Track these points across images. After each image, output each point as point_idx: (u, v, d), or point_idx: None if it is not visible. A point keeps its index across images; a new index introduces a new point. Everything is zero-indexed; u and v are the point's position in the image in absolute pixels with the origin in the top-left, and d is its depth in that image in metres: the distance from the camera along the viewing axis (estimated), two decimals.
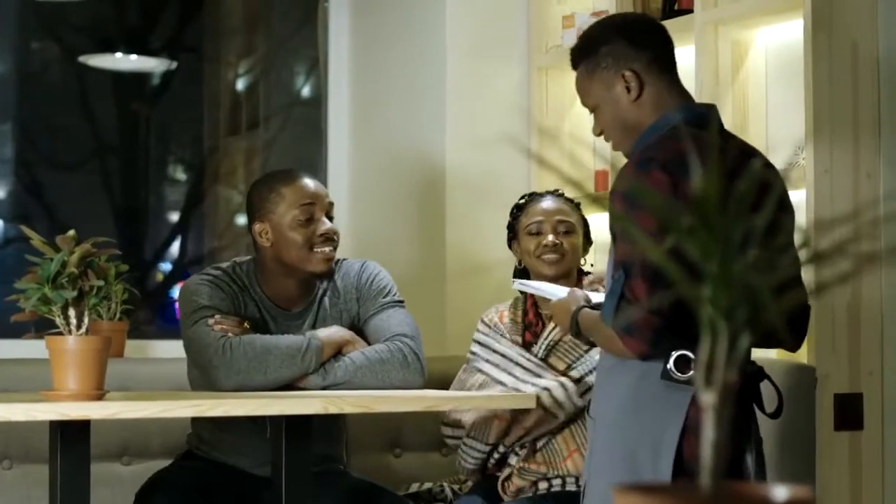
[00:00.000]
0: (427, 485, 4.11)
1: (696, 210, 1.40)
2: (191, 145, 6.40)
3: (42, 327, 3.17)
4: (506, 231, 4.09)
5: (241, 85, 6.29)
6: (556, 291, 3.41)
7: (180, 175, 6.44)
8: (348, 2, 5.23)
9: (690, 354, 2.82)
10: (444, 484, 4.09)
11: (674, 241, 1.45)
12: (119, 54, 6.07)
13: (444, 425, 4.02)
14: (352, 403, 3.16)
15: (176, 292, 6.35)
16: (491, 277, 4.75)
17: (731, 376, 1.41)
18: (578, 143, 4.92)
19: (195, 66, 6.27)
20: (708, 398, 1.41)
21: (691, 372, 2.83)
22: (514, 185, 4.80)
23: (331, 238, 3.77)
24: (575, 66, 3.16)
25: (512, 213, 4.08)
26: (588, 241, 4.05)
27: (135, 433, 4.05)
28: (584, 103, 3.16)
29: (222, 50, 6.30)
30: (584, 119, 4.88)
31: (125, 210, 6.21)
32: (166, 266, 6.34)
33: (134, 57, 6.17)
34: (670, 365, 2.83)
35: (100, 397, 3.03)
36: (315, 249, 3.74)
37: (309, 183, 3.81)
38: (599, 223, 4.67)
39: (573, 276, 3.95)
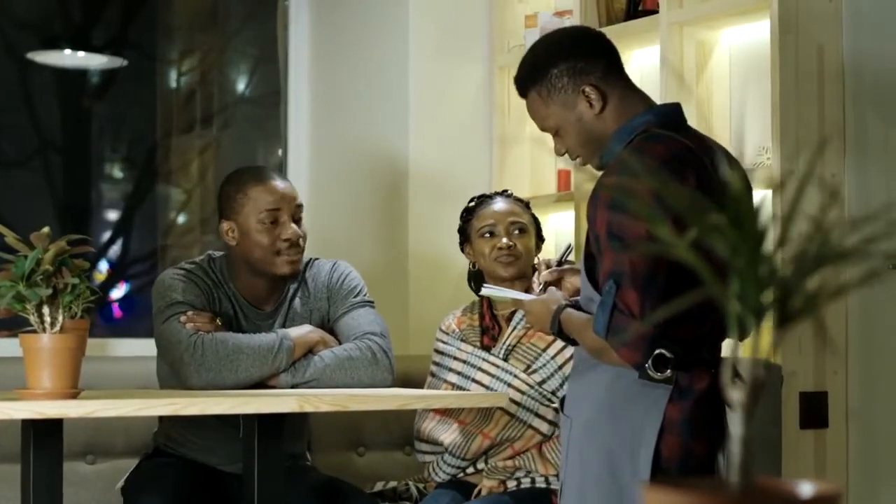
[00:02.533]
0: (392, 483, 4.11)
1: (728, 206, 1.41)
2: (135, 143, 6.36)
3: (3, 325, 3.14)
4: (457, 235, 4.09)
5: (188, 83, 6.26)
6: (524, 295, 3.40)
7: (125, 173, 6.40)
8: (308, 0, 5.21)
9: (668, 354, 2.83)
10: (410, 482, 4.09)
11: (697, 236, 1.46)
12: (64, 51, 6.02)
13: (419, 441, 4.00)
14: (327, 402, 3.15)
15: (116, 292, 6.31)
16: (453, 277, 4.75)
17: (759, 373, 1.41)
18: (540, 142, 4.93)
19: (141, 64, 6.23)
20: (736, 395, 1.41)
21: (668, 371, 2.85)
22: (477, 185, 4.80)
23: (296, 243, 3.76)
24: (524, 93, 3.12)
25: (462, 217, 4.06)
26: (540, 239, 4.05)
27: (99, 432, 4.02)
28: (544, 127, 3.11)
29: (170, 47, 6.27)
30: None
31: (68, 208, 6.17)
32: (108, 265, 6.29)
33: (82, 54, 6.13)
34: (648, 364, 2.85)
35: (74, 396, 3.00)
36: (280, 254, 3.73)
37: (277, 185, 3.78)
38: (562, 222, 4.69)
39: (528, 275, 3.95)
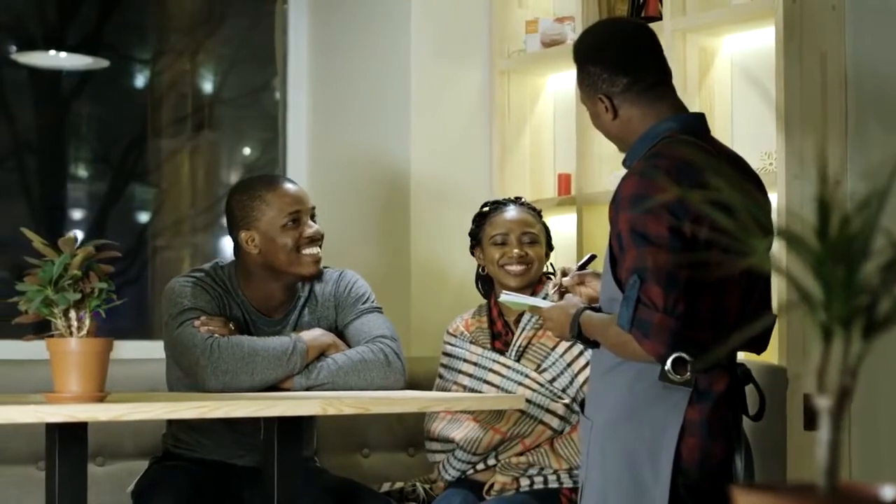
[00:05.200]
0: (398, 484, 4.14)
1: (817, 217, 1.45)
2: (112, 143, 6.35)
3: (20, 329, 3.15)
4: (468, 238, 4.12)
5: (166, 83, 6.26)
6: (543, 302, 3.45)
7: (101, 173, 6.39)
8: (308, 3, 5.22)
9: (687, 357, 2.88)
10: (417, 483, 4.12)
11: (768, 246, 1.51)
12: (40, 51, 6.01)
13: (430, 441, 4.05)
14: (349, 405, 3.18)
15: None
16: (455, 279, 4.79)
17: (847, 381, 1.46)
18: (540, 147, 4.97)
19: (118, 64, 6.22)
20: (823, 402, 1.46)
21: (688, 374, 2.90)
22: (478, 188, 4.84)
23: (317, 239, 3.81)
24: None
25: (475, 221, 4.10)
26: (549, 248, 4.10)
27: (108, 434, 4.03)
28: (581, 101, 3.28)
29: (147, 47, 6.27)
30: (545, 123, 4.94)
31: (43, 208, 6.16)
32: None
33: (63, 54, 6.12)
34: (668, 367, 2.90)
35: (101, 399, 3.02)
36: (303, 251, 3.78)
37: (292, 187, 3.85)
38: (561, 226, 4.73)
39: (535, 284, 4.00)
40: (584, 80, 3.16)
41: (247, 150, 6.33)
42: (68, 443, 3.10)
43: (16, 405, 2.92)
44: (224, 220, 5.99)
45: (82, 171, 6.36)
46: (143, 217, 6.37)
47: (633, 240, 2.88)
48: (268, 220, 3.78)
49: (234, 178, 6.18)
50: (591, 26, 3.36)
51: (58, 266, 2.99)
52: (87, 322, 3.03)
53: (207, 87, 6.25)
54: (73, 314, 3.02)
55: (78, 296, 3.00)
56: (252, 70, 6.03)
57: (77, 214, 6.30)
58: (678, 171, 2.91)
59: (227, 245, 6.11)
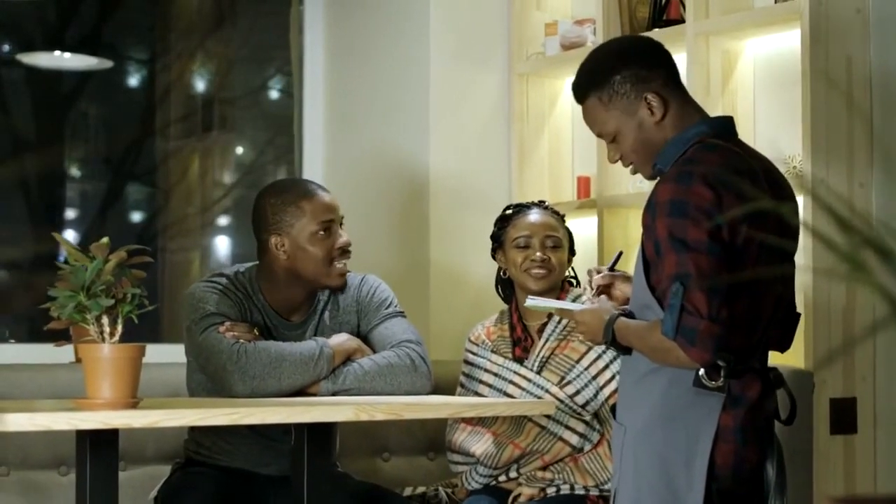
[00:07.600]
0: (420, 488, 4.13)
1: None
2: (110, 145, 6.34)
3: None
4: (490, 241, 4.10)
5: (165, 83, 6.24)
6: (572, 305, 3.43)
7: (98, 175, 6.37)
8: (324, 5, 5.21)
9: (721, 362, 2.88)
10: (439, 487, 4.11)
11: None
12: (44, 52, 5.99)
13: (451, 452, 4.04)
14: (382, 410, 3.17)
15: None
16: (474, 283, 4.77)
17: None
18: (559, 150, 4.96)
19: (118, 64, 6.20)
20: None
21: (722, 380, 2.89)
22: (497, 192, 4.83)
23: (347, 251, 3.80)
24: (582, 99, 3.17)
25: (497, 224, 4.08)
26: (572, 253, 4.08)
27: (130, 440, 4.00)
28: (601, 133, 3.16)
29: (147, 48, 6.26)
30: (564, 126, 4.93)
31: (41, 207, 6.14)
32: None
33: (67, 55, 6.10)
34: (702, 372, 2.89)
35: (134, 405, 3.00)
36: (334, 264, 3.76)
37: (326, 195, 3.83)
38: (581, 229, 4.72)
39: (558, 289, 3.98)
40: (617, 91, 3.08)
41: (252, 151, 6.31)
42: (100, 449, 3.08)
43: (48, 412, 2.90)
44: (221, 220, 6.00)
45: (80, 172, 6.35)
46: (145, 218, 6.35)
47: (673, 245, 2.86)
48: (300, 227, 3.75)
49: (236, 178, 6.17)
50: (597, 48, 3.29)
51: (90, 272, 2.97)
52: (120, 328, 3.01)
53: (211, 87, 6.24)
54: (105, 320, 3.00)
55: (111, 301, 2.97)
56: (256, 70, 6.02)
57: (76, 214, 6.29)
58: (715, 176, 2.89)
59: (224, 246, 6.10)
